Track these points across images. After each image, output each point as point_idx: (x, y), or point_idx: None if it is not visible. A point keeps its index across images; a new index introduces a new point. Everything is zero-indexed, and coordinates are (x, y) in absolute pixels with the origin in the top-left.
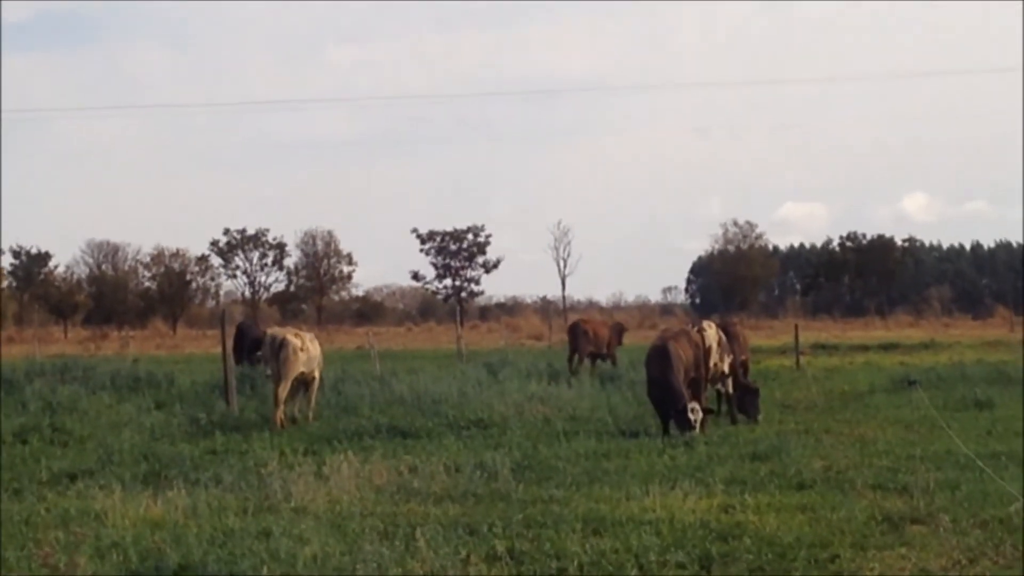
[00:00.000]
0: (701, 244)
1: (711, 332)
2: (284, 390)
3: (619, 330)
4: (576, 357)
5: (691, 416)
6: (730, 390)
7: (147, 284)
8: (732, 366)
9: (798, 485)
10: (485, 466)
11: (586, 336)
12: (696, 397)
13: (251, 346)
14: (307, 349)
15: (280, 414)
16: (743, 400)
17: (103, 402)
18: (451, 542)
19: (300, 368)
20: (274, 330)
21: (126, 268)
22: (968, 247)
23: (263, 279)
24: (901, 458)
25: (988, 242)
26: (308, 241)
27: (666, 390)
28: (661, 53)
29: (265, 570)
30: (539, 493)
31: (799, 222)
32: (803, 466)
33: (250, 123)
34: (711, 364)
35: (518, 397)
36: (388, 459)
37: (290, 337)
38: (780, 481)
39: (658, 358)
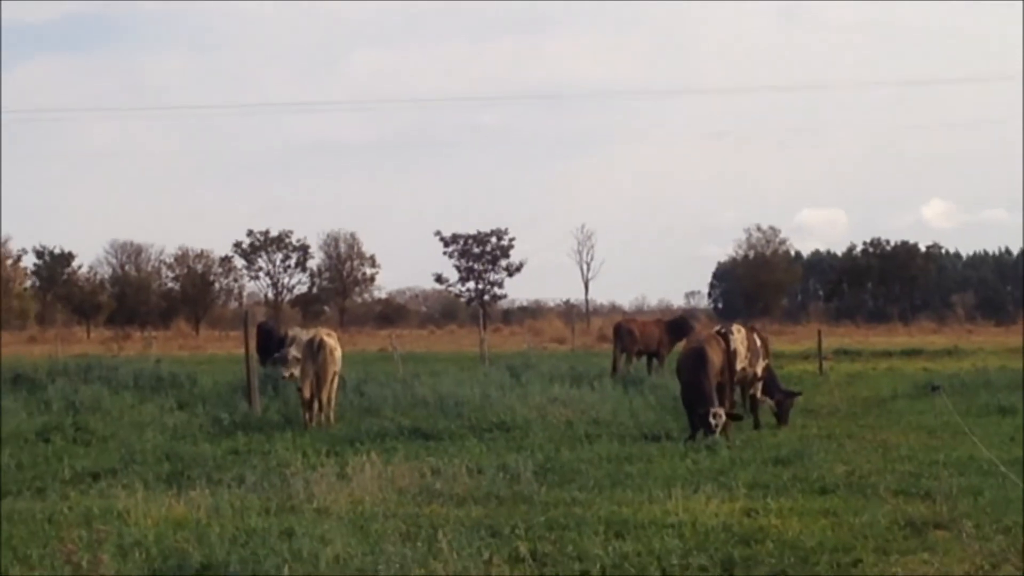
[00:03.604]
0: (724, 249)
1: (739, 336)
2: (326, 391)
3: (678, 326)
4: (624, 358)
5: (712, 421)
6: (759, 394)
7: (170, 285)
8: (765, 370)
9: (821, 490)
10: (508, 468)
11: (631, 335)
12: (722, 401)
13: (275, 347)
14: (338, 349)
15: (323, 416)
16: (783, 403)
17: (125, 402)
18: (473, 544)
19: (336, 368)
20: (296, 330)
21: (149, 269)
22: (992, 254)
23: (286, 281)
24: (924, 463)
25: (1014, 249)
26: (331, 243)
27: (698, 393)
28: (682, 59)
29: (287, 570)
30: (561, 496)
31: (818, 228)
32: (826, 471)
33: (274, 125)
34: (738, 368)
35: (541, 400)
36: (411, 461)
37: (326, 338)
38: (803, 486)
39: (693, 361)
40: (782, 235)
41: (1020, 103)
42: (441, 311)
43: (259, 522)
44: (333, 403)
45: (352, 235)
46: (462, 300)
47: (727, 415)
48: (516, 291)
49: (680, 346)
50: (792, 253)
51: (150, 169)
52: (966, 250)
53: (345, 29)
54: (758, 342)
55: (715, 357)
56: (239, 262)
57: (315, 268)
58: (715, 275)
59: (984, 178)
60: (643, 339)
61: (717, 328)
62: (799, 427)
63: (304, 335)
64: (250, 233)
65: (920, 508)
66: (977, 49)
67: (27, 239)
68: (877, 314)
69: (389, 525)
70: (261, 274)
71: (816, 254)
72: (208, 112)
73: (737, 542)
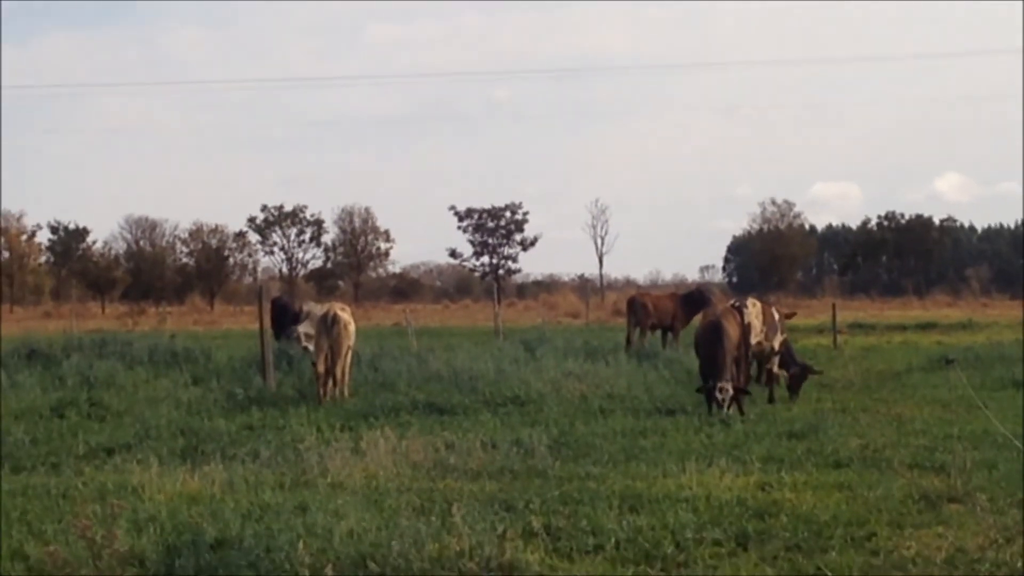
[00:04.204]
0: (738, 223)
1: (753, 310)
2: (340, 365)
3: (693, 300)
4: (637, 332)
5: (719, 395)
6: (775, 368)
7: (185, 260)
8: (782, 345)
9: (835, 463)
10: (522, 443)
11: (645, 309)
12: (738, 376)
13: (289, 322)
14: (352, 323)
15: (337, 390)
16: (798, 376)
17: (140, 377)
18: (487, 518)
19: (350, 342)
20: (311, 305)
21: (164, 244)
22: (1007, 227)
23: (300, 255)
24: (938, 437)
25: None
26: (345, 218)
27: (714, 367)
28: (695, 33)
29: (301, 544)
30: (576, 470)
31: (831, 201)
32: (840, 445)
33: (289, 100)
34: (753, 342)
35: (555, 374)
36: (425, 435)
37: (340, 312)
38: (817, 459)
39: (710, 335)
40: (797, 209)
41: None
42: (455, 286)
43: (273, 497)
44: (347, 378)
45: (366, 209)
46: (476, 275)
47: (735, 390)
48: (530, 265)
49: (696, 320)
50: (807, 227)
51: (165, 144)
52: (981, 223)
53: (360, 3)
54: (776, 316)
55: (732, 331)
56: (254, 237)
57: (330, 243)
58: (730, 249)
59: (999, 151)
60: (657, 313)
61: (732, 302)
62: (813, 401)
63: (318, 310)
64: (264, 208)
65: (934, 482)
66: (992, 21)
67: (42, 214)
68: (892, 287)
69: (403, 500)
70: (276, 249)
71: (831, 228)
72: (223, 87)
73: (751, 516)
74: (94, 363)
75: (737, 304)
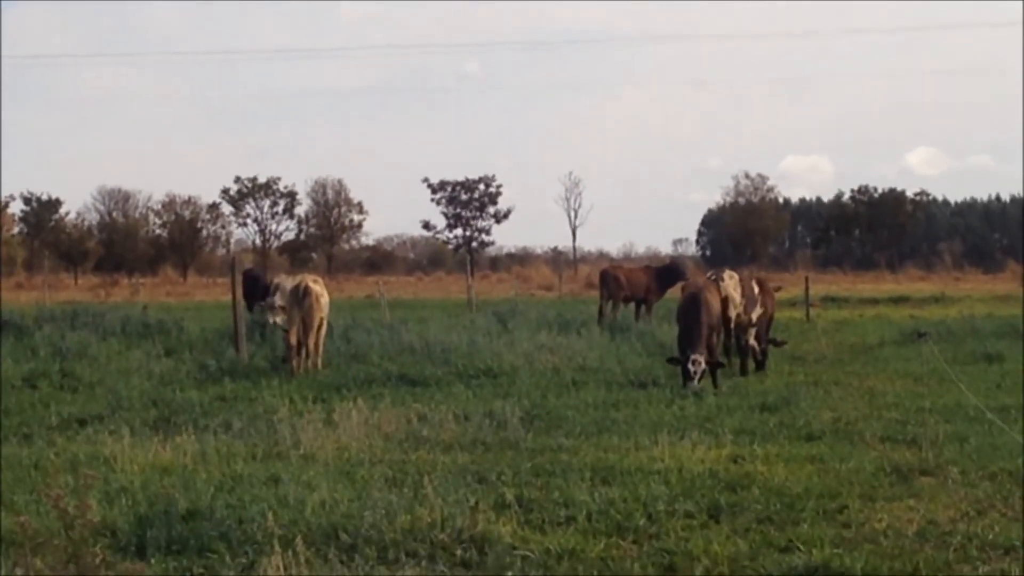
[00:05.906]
0: (711, 196)
1: (731, 282)
2: (313, 337)
3: (667, 273)
4: (610, 304)
5: (691, 368)
6: (750, 341)
7: (158, 231)
8: (760, 319)
9: (807, 436)
10: (494, 415)
11: (617, 282)
12: (711, 347)
13: (261, 294)
14: (325, 295)
15: (310, 362)
16: (764, 351)
17: (113, 348)
18: (460, 490)
19: (323, 314)
20: (282, 277)
21: (137, 215)
22: (980, 201)
23: (274, 227)
24: (910, 410)
25: (1004, 196)
26: (319, 190)
27: (690, 339)
28: (667, 5)
29: (273, 516)
30: (548, 442)
31: (803, 175)
32: (812, 417)
33: (263, 72)
34: (732, 314)
35: (528, 347)
36: (397, 407)
37: (312, 284)
38: (789, 432)
39: (690, 306)
40: (770, 182)
41: (1004, 50)
42: (429, 258)
43: (245, 468)
44: (320, 350)
45: (340, 182)
46: (450, 247)
47: (708, 363)
48: (504, 238)
49: (671, 293)
50: (780, 200)
51: (139, 115)
52: (954, 197)
53: None
54: (756, 289)
55: (713, 303)
56: (227, 209)
57: (303, 215)
58: (703, 222)
59: (969, 125)
60: (629, 286)
61: (709, 274)
62: (786, 374)
63: (289, 282)
64: (238, 180)
65: (906, 455)
66: None
67: (15, 185)
68: (864, 261)
69: (375, 471)
70: (249, 221)
71: (804, 201)
72: (197, 58)
73: (723, 488)
74: (66, 334)
75: (713, 276)
